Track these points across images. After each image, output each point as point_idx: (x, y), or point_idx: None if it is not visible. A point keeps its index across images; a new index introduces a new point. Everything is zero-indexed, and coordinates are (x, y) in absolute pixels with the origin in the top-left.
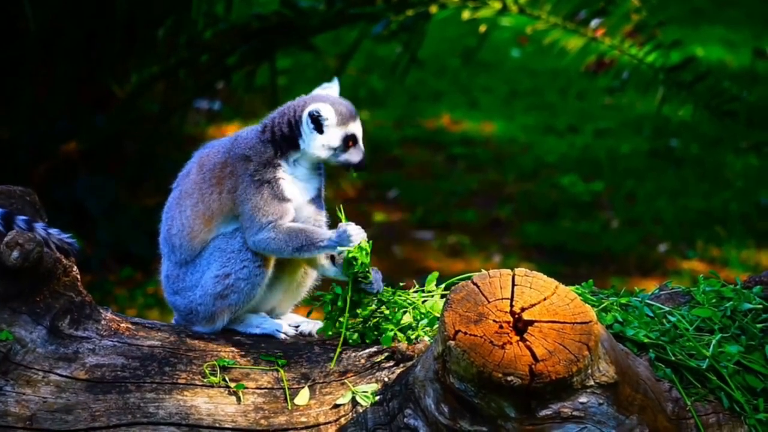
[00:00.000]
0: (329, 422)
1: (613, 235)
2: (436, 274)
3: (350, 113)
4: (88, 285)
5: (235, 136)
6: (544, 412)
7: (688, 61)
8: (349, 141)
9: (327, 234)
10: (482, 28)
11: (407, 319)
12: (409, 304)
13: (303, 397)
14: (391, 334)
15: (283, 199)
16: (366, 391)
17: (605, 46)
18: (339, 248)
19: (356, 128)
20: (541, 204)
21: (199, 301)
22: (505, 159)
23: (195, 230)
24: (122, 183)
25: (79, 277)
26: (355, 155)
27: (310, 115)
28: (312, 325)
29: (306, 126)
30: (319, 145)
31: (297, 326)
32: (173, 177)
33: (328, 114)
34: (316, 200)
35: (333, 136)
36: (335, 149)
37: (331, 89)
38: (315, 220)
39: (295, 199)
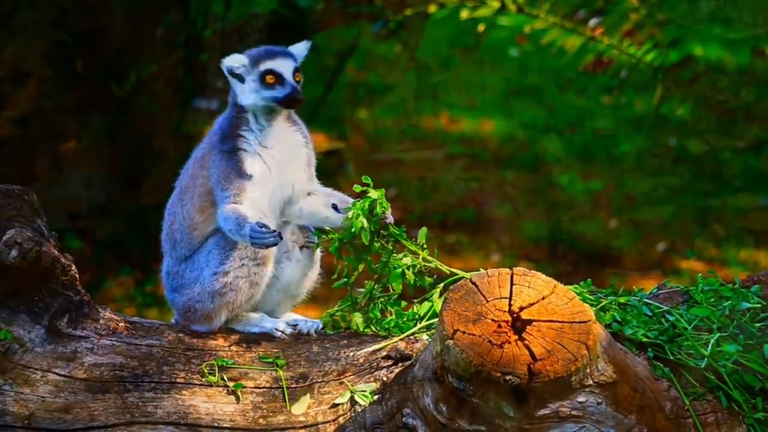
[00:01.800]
0: (327, 421)
1: (611, 233)
2: (425, 229)
3: (265, 53)
4: (86, 284)
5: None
6: (542, 412)
7: (687, 60)
8: (266, 77)
9: (246, 227)
10: (481, 27)
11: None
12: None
13: (302, 404)
14: (399, 271)
15: (242, 174)
16: (364, 390)
17: (604, 45)
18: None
19: (274, 64)
20: (539, 202)
21: (197, 298)
22: (504, 157)
23: (194, 221)
24: (120, 182)
25: (77, 276)
26: (279, 91)
27: (227, 69)
28: (310, 324)
29: (231, 82)
30: (246, 91)
31: (295, 325)
32: (171, 176)
33: (238, 61)
34: (299, 171)
35: (251, 78)
36: (258, 91)
37: (295, 47)
38: (298, 193)
39: (260, 173)
